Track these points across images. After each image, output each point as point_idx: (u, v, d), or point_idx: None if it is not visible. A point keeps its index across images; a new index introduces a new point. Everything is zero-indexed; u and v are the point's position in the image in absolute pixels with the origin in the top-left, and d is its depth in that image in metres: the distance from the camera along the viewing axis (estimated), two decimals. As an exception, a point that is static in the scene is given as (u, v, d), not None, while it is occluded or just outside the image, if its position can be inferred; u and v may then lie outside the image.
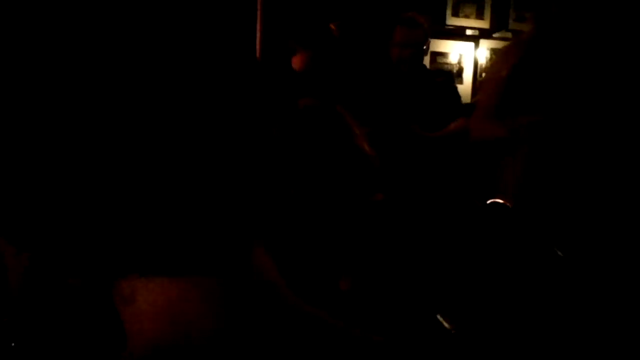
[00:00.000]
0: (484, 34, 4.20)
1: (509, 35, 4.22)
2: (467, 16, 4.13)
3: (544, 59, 2.00)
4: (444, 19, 4.07)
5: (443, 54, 4.06)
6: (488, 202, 2.00)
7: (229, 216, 0.52)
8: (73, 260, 0.51)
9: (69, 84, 0.45)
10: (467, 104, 3.68)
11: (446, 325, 2.25)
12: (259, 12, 2.79)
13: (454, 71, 4.05)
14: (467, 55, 4.12)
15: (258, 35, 2.80)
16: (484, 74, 4.14)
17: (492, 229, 1.99)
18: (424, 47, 3.01)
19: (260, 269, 0.57)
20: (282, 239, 1.71)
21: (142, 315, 0.54)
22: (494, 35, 4.22)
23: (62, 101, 0.45)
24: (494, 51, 4.18)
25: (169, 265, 0.52)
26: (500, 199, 1.96)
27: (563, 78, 1.96)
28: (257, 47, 2.80)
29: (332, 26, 2.67)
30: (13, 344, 0.76)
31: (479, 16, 4.17)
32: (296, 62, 2.64)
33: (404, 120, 2.75)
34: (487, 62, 4.15)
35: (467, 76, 4.11)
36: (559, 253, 1.88)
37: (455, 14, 4.11)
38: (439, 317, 2.28)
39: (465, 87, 4.03)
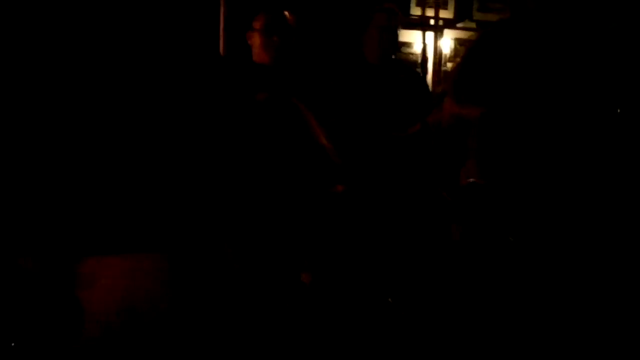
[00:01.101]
0: (447, 23, 4.24)
1: (472, 25, 4.27)
2: (430, 6, 4.16)
3: (497, 52, 2.02)
4: (408, 8, 4.10)
5: (407, 44, 4.09)
6: (464, 183, 2.03)
7: (181, 197, 0.54)
8: (31, 242, 0.53)
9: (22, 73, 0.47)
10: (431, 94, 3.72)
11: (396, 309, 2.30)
12: (222, 9, 2.78)
13: (418, 61, 4.08)
14: (431, 45, 4.16)
15: (221, 30, 2.79)
16: (448, 64, 4.19)
17: (471, 209, 2.02)
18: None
19: (223, 256, 0.60)
20: (244, 233, 1.73)
21: (102, 296, 0.57)
22: (457, 25, 4.26)
23: (17, 91, 0.47)
24: (457, 41, 4.23)
25: (127, 242, 0.54)
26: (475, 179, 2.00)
27: (514, 71, 1.98)
28: (221, 42, 2.79)
29: (286, 14, 2.66)
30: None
31: (443, 6, 4.21)
32: (255, 51, 2.63)
33: (373, 118, 2.78)
34: (450, 52, 4.20)
35: (431, 66, 4.15)
36: (510, 238, 1.93)
37: (419, 3, 4.14)
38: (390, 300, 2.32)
39: (428, 76, 4.08)
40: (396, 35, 3.05)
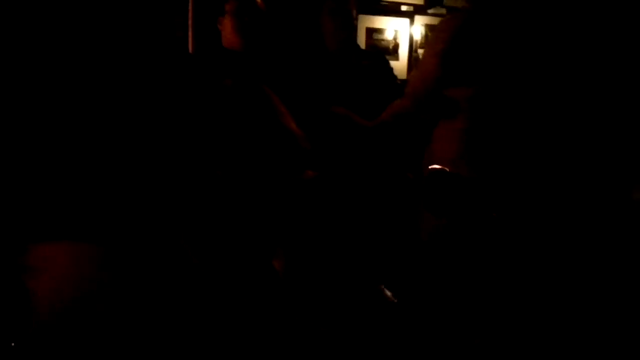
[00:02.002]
0: (418, 9, 4.27)
1: (443, 11, 4.29)
2: (402, -8, 4.18)
3: (480, 33, 2.03)
4: (380, -6, 4.13)
5: (379, 30, 4.11)
6: (429, 168, 2.05)
7: (138, 185, 0.55)
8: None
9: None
10: (403, 80, 3.74)
11: (388, 295, 2.33)
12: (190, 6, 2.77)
13: (390, 47, 4.11)
14: (402, 32, 4.18)
15: (190, 19, 2.78)
16: (419, 50, 4.22)
17: (434, 195, 2.04)
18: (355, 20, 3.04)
19: (179, 248, 0.62)
20: (213, 220, 1.74)
21: (49, 285, 0.57)
22: (428, 11, 4.29)
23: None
24: (428, 27, 4.26)
25: (74, 229, 0.55)
26: (438, 165, 2.02)
27: (499, 52, 2.00)
28: (190, 31, 2.79)
29: None
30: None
31: (414, -8, 4.24)
32: (224, 37, 2.62)
33: (338, 104, 2.78)
34: (422, 38, 4.23)
35: (403, 52, 4.18)
36: (494, 214, 1.95)
37: (391, -11, 4.16)
38: (382, 287, 2.36)
39: (401, 63, 4.11)
40: (351, 19, 2.98)
